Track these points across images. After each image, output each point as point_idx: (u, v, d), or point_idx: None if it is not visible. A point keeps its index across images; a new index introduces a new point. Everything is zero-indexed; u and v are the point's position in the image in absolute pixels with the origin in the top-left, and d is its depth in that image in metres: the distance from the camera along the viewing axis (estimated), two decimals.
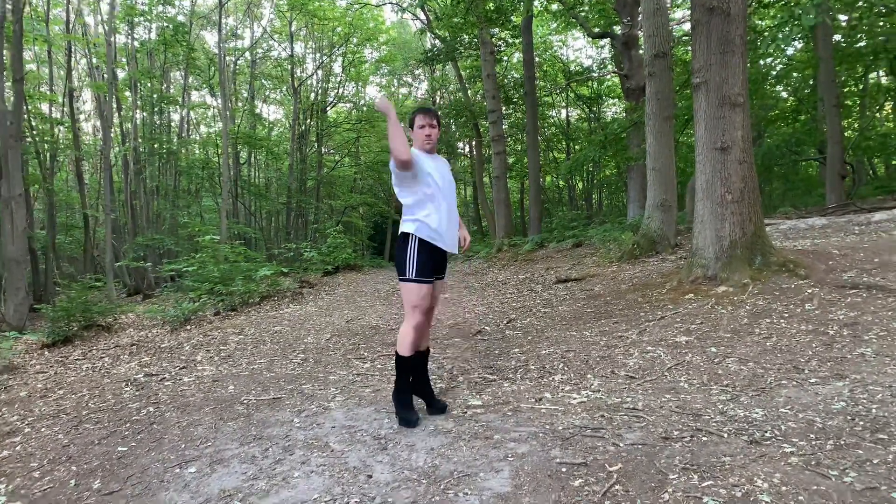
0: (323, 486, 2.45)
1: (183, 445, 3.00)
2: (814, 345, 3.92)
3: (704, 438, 2.64)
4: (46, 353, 8.01)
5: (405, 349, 3.09)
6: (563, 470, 2.41)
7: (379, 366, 4.63)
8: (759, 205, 5.84)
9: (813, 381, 3.33)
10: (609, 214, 21.80)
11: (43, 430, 3.58)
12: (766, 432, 2.66)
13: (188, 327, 7.79)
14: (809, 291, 5.02)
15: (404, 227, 3.16)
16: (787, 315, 4.58)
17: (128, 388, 4.37)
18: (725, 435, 2.66)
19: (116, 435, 3.28)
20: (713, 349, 4.06)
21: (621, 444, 2.62)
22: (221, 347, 5.91)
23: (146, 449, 3.01)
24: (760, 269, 5.58)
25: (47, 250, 18.11)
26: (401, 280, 3.13)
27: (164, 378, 4.62)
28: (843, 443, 2.50)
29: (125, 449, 3.04)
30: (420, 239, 3.11)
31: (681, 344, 4.28)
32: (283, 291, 10.40)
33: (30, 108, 16.64)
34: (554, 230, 15.14)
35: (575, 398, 3.36)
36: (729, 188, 5.68)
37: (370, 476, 2.50)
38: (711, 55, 5.69)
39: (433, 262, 3.17)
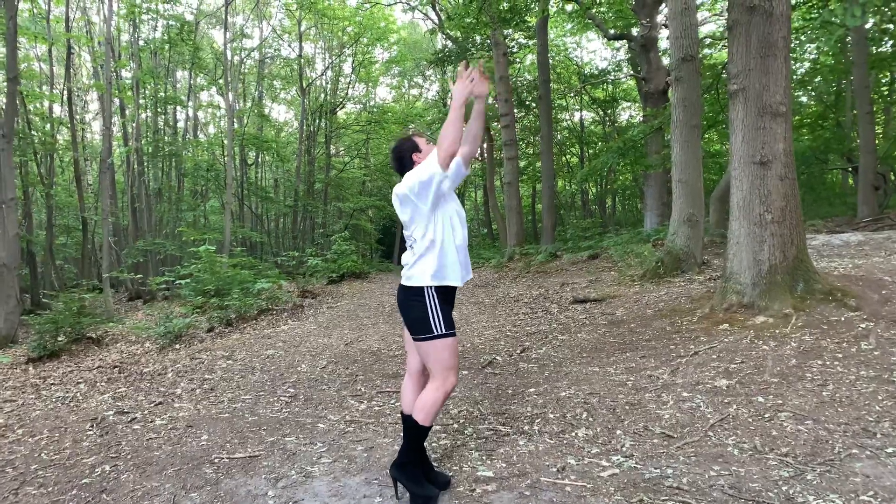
0: None
1: None
2: (880, 397, 3.35)
3: None
4: (31, 369, 7.57)
5: (429, 419, 2.50)
6: None
7: (376, 407, 4.09)
8: (801, 225, 5.25)
9: (890, 450, 2.78)
10: (624, 222, 21.19)
11: None
12: None
13: (177, 346, 7.30)
14: (863, 326, 4.44)
15: (416, 278, 2.51)
16: (840, 355, 4.01)
17: (91, 432, 3.86)
18: None
19: None
20: (760, 399, 3.50)
21: None
22: (206, 377, 5.39)
23: None
24: (803, 298, 5.00)
25: (45, 254, 17.74)
26: (424, 339, 2.49)
27: (135, 418, 4.11)
28: None
29: None
30: (437, 287, 2.52)
31: (721, 389, 3.72)
32: (282, 304, 9.88)
33: (29, 107, 16.26)
34: (568, 241, 14.54)
35: (605, 467, 2.81)
36: (769, 207, 5.10)
37: None
38: (751, 59, 5.12)
39: (451, 304, 2.65)
